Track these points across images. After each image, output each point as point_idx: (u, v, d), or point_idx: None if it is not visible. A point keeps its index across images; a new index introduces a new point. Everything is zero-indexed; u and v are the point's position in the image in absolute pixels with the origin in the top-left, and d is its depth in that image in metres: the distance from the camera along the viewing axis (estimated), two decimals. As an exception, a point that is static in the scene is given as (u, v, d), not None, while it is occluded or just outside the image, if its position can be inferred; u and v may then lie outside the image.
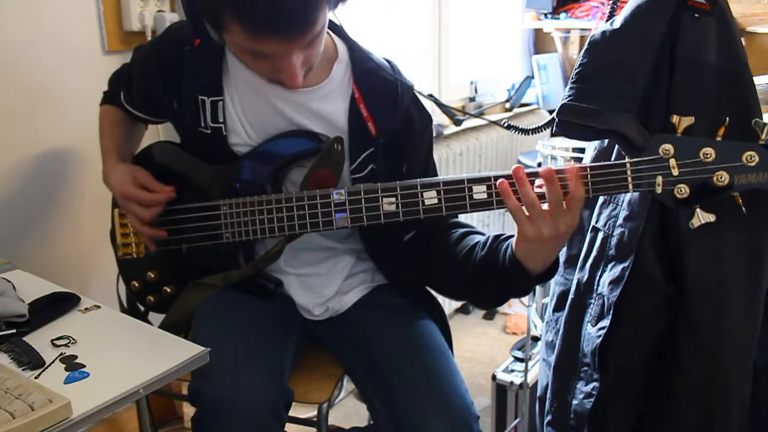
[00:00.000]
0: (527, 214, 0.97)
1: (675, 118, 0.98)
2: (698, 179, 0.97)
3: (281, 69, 1.02)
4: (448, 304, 2.64)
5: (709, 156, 0.96)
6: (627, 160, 0.99)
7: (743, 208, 0.97)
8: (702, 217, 0.97)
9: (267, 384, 1.07)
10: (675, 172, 0.97)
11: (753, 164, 0.95)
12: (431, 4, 2.56)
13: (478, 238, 1.14)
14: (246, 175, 1.17)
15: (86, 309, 1.06)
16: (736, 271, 1.16)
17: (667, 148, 0.97)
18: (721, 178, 0.96)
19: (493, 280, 1.09)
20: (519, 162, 2.81)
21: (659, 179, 0.98)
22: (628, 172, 0.98)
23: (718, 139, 0.97)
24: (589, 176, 0.98)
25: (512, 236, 1.05)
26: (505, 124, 1.31)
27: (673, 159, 0.97)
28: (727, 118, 0.97)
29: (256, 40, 0.97)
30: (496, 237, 1.10)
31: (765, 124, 0.96)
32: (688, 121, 0.97)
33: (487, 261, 1.08)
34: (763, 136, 0.96)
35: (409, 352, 1.15)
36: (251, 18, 0.95)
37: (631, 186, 0.99)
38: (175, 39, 1.21)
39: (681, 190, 0.97)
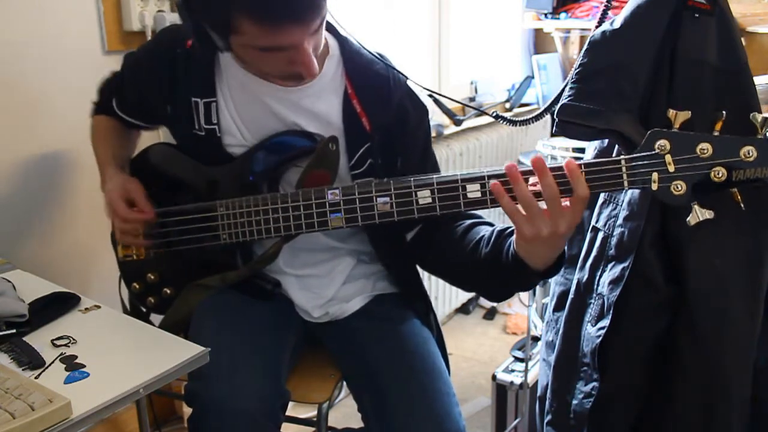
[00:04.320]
0: (524, 213, 0.94)
1: (671, 113, 0.95)
2: (695, 175, 0.94)
3: (296, 60, 1.03)
4: (449, 304, 2.64)
5: (705, 151, 0.93)
6: (622, 156, 0.96)
7: (741, 205, 0.95)
8: (700, 214, 0.94)
9: (263, 384, 1.07)
10: (671, 168, 0.94)
11: (751, 159, 0.92)
12: (431, 4, 2.55)
13: (483, 231, 1.12)
14: (258, 167, 1.17)
15: (86, 309, 1.06)
16: (736, 271, 1.16)
17: (663, 143, 0.94)
18: (719, 173, 0.93)
19: (499, 277, 1.08)
20: (519, 162, 2.81)
21: (655, 176, 0.95)
22: (623, 169, 0.96)
23: (716, 134, 0.94)
24: (583, 174, 0.95)
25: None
26: (494, 114, 1.32)
27: (669, 155, 0.94)
28: (724, 113, 0.94)
29: (273, 33, 0.98)
30: (501, 232, 1.08)
31: (765, 118, 0.93)
32: (684, 115, 0.94)
33: (491, 258, 1.07)
34: (761, 131, 0.94)
35: (408, 371, 1.15)
36: (267, 11, 0.96)
37: (626, 183, 0.96)
38: (166, 42, 1.21)
39: (677, 187, 0.94)
